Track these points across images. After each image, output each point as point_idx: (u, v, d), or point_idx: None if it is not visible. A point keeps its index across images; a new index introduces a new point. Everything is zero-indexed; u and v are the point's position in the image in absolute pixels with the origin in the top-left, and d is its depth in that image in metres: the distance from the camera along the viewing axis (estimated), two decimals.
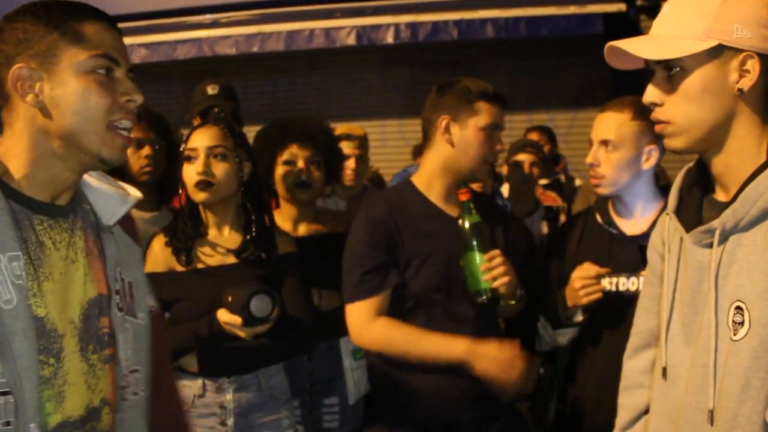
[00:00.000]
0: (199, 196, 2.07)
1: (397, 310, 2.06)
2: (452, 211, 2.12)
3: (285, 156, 2.45)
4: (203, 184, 2.05)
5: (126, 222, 1.36)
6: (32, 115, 1.16)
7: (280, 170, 2.45)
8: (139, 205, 2.68)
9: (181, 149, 2.12)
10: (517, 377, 1.93)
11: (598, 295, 2.04)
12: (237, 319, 1.87)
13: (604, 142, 2.08)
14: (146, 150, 2.64)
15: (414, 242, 2.05)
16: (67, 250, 1.20)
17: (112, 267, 1.27)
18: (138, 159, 2.63)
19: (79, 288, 1.20)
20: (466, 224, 2.00)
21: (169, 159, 2.71)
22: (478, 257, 1.97)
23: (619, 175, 2.07)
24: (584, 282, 2.04)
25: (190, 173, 2.07)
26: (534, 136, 4.81)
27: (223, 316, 1.90)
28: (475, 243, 1.98)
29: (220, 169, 2.06)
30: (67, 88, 1.15)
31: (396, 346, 2.03)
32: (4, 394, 1.07)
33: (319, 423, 2.41)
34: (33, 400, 1.09)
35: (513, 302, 2.08)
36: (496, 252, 1.98)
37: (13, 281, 1.10)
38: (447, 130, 2.08)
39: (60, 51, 1.15)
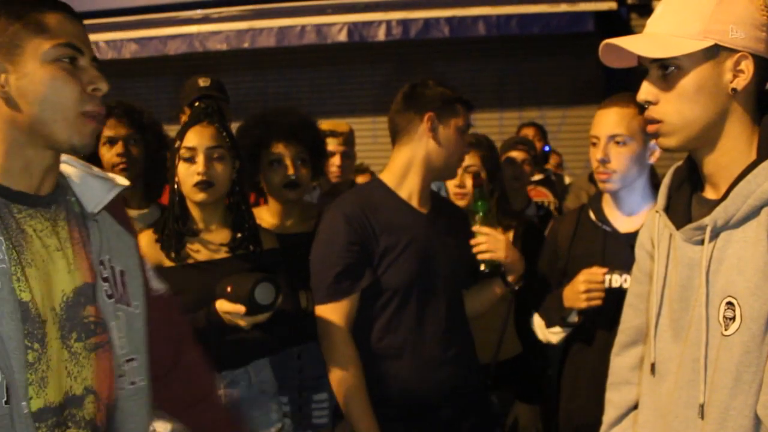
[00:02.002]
0: (199, 197, 2.05)
1: (370, 304, 2.07)
2: (422, 207, 2.17)
3: (271, 154, 2.40)
4: (204, 185, 2.04)
5: (117, 211, 1.36)
6: None
7: (266, 168, 2.42)
8: (126, 203, 2.63)
9: (176, 146, 2.09)
10: None
11: (599, 302, 2.05)
12: (240, 308, 1.85)
13: (614, 137, 2.06)
14: (118, 147, 2.56)
15: (389, 237, 2.07)
16: (50, 239, 1.20)
17: (97, 255, 1.27)
18: (111, 157, 2.56)
19: (63, 276, 1.21)
20: (479, 208, 2.22)
21: (151, 153, 2.63)
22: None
23: (629, 169, 2.06)
24: (590, 285, 2.05)
25: (189, 173, 2.05)
26: (529, 132, 4.82)
27: (225, 305, 1.88)
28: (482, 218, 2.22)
29: (219, 169, 2.06)
30: (34, 78, 1.15)
31: (346, 384, 2.03)
32: None
33: (308, 419, 2.42)
34: (21, 381, 1.10)
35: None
36: (485, 229, 2.18)
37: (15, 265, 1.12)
38: (433, 127, 2.12)
39: (23, 41, 1.15)
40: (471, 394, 2.19)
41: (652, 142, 2.06)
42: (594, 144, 2.11)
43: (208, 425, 1.57)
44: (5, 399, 1.09)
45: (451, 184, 2.77)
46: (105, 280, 1.28)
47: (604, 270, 2.05)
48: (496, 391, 2.66)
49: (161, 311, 1.45)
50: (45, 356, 1.16)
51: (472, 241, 2.17)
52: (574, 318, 2.13)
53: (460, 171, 2.62)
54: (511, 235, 2.70)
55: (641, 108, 2.02)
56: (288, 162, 2.39)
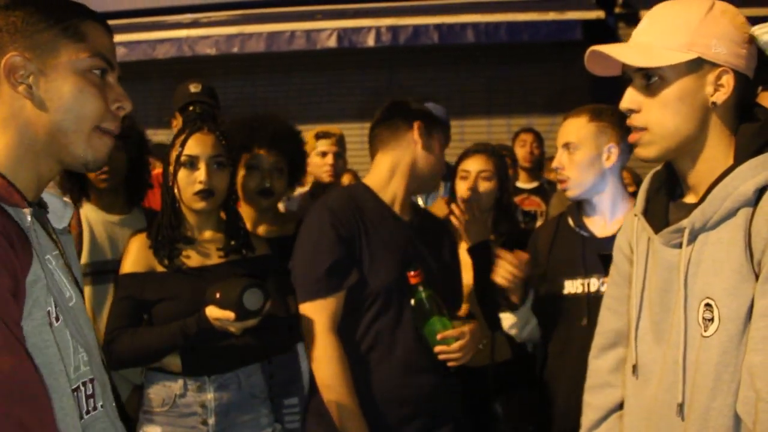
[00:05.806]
0: (199, 205, 2.05)
1: (351, 306, 2.06)
2: (404, 215, 2.18)
3: (250, 160, 2.43)
4: (205, 194, 2.04)
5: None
6: (21, 105, 1.12)
7: (242, 173, 2.44)
8: (108, 207, 2.65)
9: (175, 152, 2.08)
10: None
11: (505, 282, 2.15)
12: (230, 314, 1.86)
13: (566, 146, 2.17)
14: None
15: (371, 238, 2.08)
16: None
17: (77, 268, 1.26)
18: None
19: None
20: (423, 296, 2.03)
21: (133, 157, 2.64)
22: (438, 323, 2.03)
23: (582, 175, 2.15)
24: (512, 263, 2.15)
25: (189, 181, 2.04)
26: (527, 138, 4.85)
27: (214, 312, 1.89)
28: (431, 310, 2.04)
29: (219, 178, 2.06)
30: (63, 85, 1.13)
31: (333, 385, 2.00)
32: (91, 381, 1.14)
33: (281, 424, 2.41)
34: (102, 381, 1.17)
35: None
36: (450, 333, 2.02)
37: (68, 279, 1.15)
38: (422, 134, 2.16)
39: (60, 46, 1.13)
40: (446, 404, 2.18)
41: (606, 146, 2.13)
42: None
43: None
44: (101, 403, 1.16)
45: (463, 188, 2.69)
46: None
47: (526, 257, 2.18)
48: (499, 396, 2.64)
49: None
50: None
51: (437, 349, 2.02)
52: (513, 299, 2.21)
53: (473, 175, 2.66)
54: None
55: (597, 115, 2.18)
56: (265, 169, 2.42)
